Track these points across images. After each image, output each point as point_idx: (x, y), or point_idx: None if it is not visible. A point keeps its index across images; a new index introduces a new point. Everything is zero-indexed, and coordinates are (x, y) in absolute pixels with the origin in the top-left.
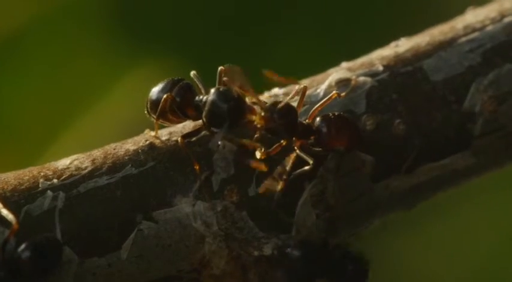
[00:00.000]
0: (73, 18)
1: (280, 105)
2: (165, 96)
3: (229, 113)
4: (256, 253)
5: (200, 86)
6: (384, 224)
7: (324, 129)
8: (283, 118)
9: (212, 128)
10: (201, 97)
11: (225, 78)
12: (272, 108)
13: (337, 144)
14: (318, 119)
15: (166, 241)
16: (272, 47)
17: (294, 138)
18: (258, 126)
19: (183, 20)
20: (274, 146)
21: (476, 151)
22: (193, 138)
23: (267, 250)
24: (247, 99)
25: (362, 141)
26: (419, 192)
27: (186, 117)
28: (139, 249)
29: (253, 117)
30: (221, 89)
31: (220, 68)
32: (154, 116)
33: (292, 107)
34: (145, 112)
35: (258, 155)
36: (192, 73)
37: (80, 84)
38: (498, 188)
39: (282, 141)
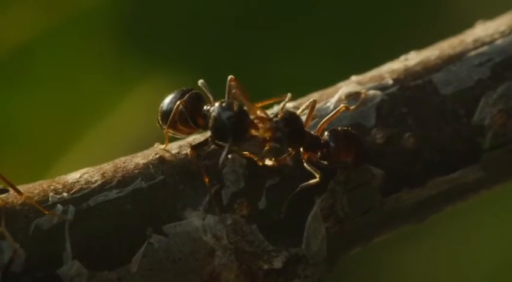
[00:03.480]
0: (82, 32)
1: (282, 113)
2: (177, 103)
3: (233, 129)
4: (266, 266)
5: (209, 94)
6: (395, 235)
7: (332, 144)
8: (289, 125)
9: (218, 142)
10: (208, 107)
11: (233, 91)
12: (275, 118)
13: (344, 158)
14: (326, 133)
15: (176, 255)
16: (282, 60)
17: (301, 150)
18: (266, 137)
19: (191, 33)
20: (283, 156)
21: (486, 165)
22: (203, 152)
23: (277, 263)
24: (251, 113)
25: (367, 156)
26: (429, 205)
27: (196, 126)
28: (149, 263)
29: (258, 131)
30: (224, 104)
31: (230, 76)
32: (166, 127)
33: (295, 113)
34: (157, 124)
35: (269, 163)
36: (200, 82)
37: (90, 97)
38: (508, 197)
39: (290, 150)
